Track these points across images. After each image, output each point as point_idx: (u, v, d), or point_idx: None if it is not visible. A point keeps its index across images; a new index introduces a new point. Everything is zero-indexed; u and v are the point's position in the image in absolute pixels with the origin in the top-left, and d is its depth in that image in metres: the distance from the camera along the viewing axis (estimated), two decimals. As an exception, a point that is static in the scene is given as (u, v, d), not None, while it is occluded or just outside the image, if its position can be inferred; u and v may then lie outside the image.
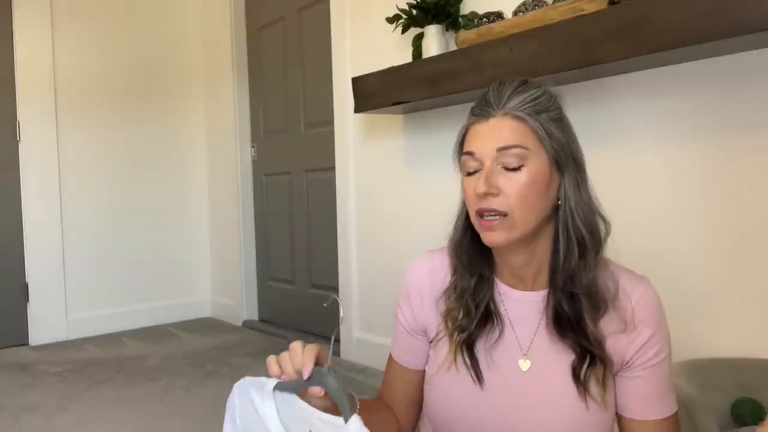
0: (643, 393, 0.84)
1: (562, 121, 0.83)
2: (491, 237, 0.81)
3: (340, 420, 0.78)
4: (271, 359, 0.79)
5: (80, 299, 3.23)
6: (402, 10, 2.05)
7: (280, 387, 0.80)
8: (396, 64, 2.10)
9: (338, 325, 0.93)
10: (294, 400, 0.80)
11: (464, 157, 0.83)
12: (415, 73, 2.00)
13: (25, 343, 3.10)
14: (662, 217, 1.56)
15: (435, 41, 1.99)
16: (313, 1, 2.92)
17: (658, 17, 1.34)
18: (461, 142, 0.86)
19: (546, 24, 1.59)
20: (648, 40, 1.37)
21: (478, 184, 0.79)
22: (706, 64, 1.46)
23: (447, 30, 2.02)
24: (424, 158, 2.29)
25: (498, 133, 0.80)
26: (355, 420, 0.77)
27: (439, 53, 1.96)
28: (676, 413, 0.86)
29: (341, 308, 0.87)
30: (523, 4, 1.71)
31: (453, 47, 1.96)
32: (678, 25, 1.31)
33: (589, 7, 1.51)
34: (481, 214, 0.81)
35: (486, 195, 0.79)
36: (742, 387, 1.26)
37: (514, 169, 0.79)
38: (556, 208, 0.83)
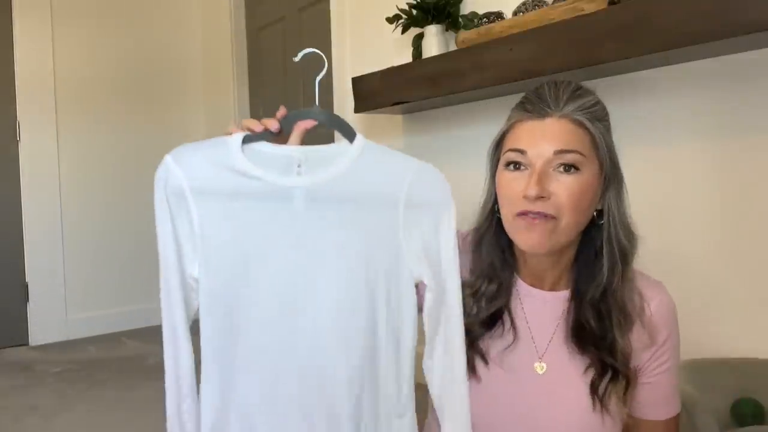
0: (651, 397, 0.85)
1: (611, 133, 0.81)
2: (531, 238, 0.78)
3: (335, 145, 0.82)
4: (232, 127, 0.81)
5: (80, 299, 3.23)
6: (402, 10, 2.05)
7: (249, 139, 0.80)
8: (396, 64, 2.10)
9: (323, 70, 0.93)
10: (268, 147, 0.81)
11: (510, 153, 0.79)
12: (415, 73, 2.00)
13: (25, 343, 3.10)
14: (662, 217, 1.56)
15: (435, 41, 1.99)
16: (313, 1, 2.92)
17: (658, 17, 1.34)
18: (502, 137, 0.83)
19: (546, 24, 1.59)
20: (648, 40, 1.37)
21: (528, 185, 0.76)
22: (707, 64, 1.46)
23: (447, 30, 2.01)
24: (424, 158, 2.26)
25: (556, 134, 0.76)
26: (360, 137, 0.82)
27: (439, 53, 1.96)
28: (678, 415, 0.87)
29: (323, 56, 0.89)
30: (523, 4, 1.71)
31: (453, 47, 1.96)
32: (678, 25, 1.31)
33: (589, 7, 1.51)
34: (524, 213, 0.78)
35: (536, 199, 0.75)
36: (742, 387, 1.26)
37: (569, 174, 0.76)
38: (591, 220, 0.82)
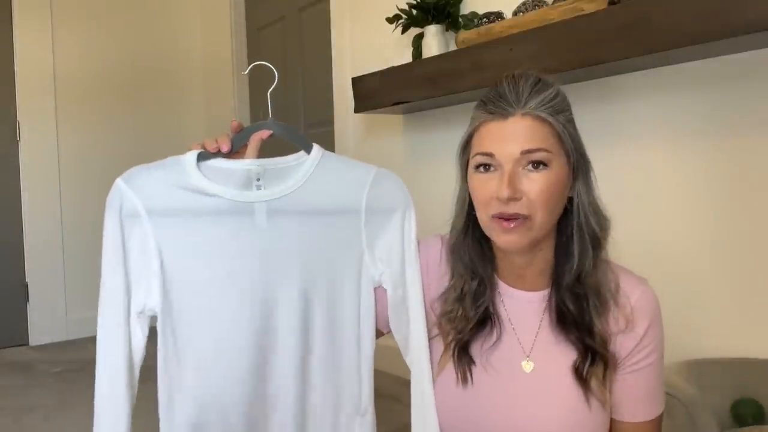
0: (630, 394, 0.83)
1: (574, 122, 0.81)
2: (509, 239, 0.78)
3: (292, 156, 0.82)
4: (195, 143, 0.82)
5: (80, 299, 3.23)
6: (402, 10, 2.05)
7: (204, 156, 0.80)
8: (396, 64, 2.10)
9: (274, 82, 0.90)
10: (225, 162, 0.80)
11: (479, 157, 0.80)
12: (415, 73, 2.00)
13: (25, 343, 3.10)
14: (662, 216, 1.56)
15: (435, 41, 1.99)
16: (313, 1, 2.92)
17: (658, 17, 1.34)
18: (469, 139, 0.83)
19: (546, 24, 1.59)
20: (648, 40, 1.37)
21: (500, 188, 0.76)
22: (707, 64, 1.46)
23: (447, 30, 2.01)
24: (424, 158, 2.28)
25: (521, 133, 0.77)
26: (317, 147, 0.83)
27: (439, 53, 1.96)
28: (661, 415, 0.85)
29: (273, 69, 0.88)
30: (523, 4, 1.71)
31: (453, 47, 1.96)
32: (678, 25, 1.31)
33: (589, 7, 1.51)
34: (499, 217, 0.78)
35: (509, 200, 0.76)
36: (742, 387, 1.26)
37: (538, 172, 0.77)
38: (565, 209, 0.82)
